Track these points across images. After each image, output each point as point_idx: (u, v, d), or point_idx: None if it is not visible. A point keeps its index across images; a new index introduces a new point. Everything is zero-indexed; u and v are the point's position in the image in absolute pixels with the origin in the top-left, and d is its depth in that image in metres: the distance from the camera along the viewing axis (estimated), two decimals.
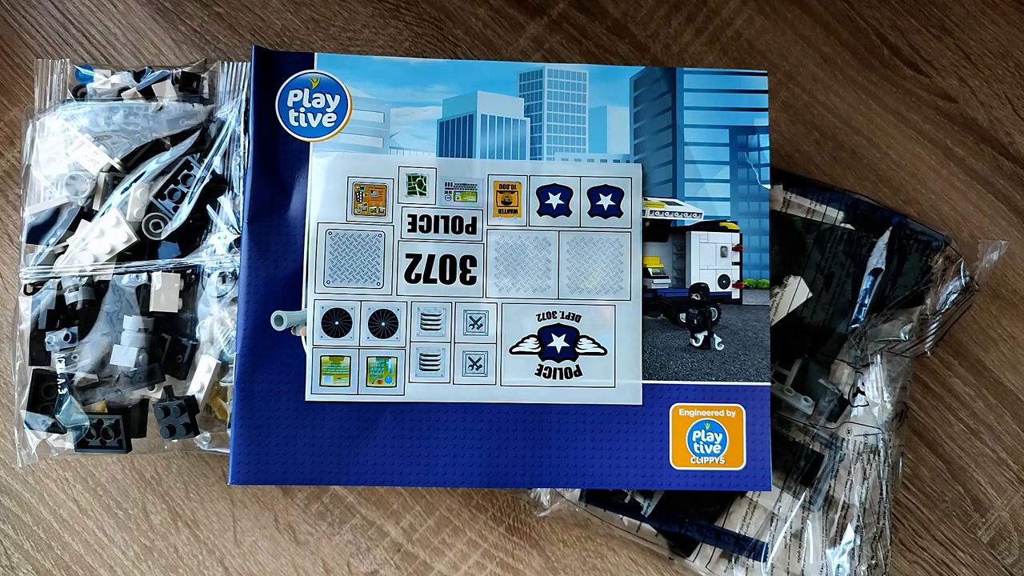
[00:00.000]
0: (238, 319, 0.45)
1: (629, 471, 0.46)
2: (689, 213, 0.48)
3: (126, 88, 0.50)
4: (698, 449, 0.46)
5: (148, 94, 0.49)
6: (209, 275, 0.47)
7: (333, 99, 0.47)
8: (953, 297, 0.51)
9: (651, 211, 0.47)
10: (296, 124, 0.46)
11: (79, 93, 0.50)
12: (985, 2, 0.59)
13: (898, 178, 0.57)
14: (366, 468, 0.45)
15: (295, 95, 0.46)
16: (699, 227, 0.48)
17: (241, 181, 0.48)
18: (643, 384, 0.46)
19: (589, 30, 0.58)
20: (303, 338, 0.45)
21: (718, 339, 0.47)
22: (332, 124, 0.46)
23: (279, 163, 0.46)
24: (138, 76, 0.50)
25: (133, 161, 0.48)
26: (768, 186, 0.48)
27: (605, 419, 0.46)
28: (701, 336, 0.47)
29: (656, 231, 0.48)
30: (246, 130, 0.47)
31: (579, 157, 0.48)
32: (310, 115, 0.46)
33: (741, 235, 0.48)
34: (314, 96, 0.46)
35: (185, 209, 0.47)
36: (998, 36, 0.58)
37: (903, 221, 0.51)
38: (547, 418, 0.46)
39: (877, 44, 0.58)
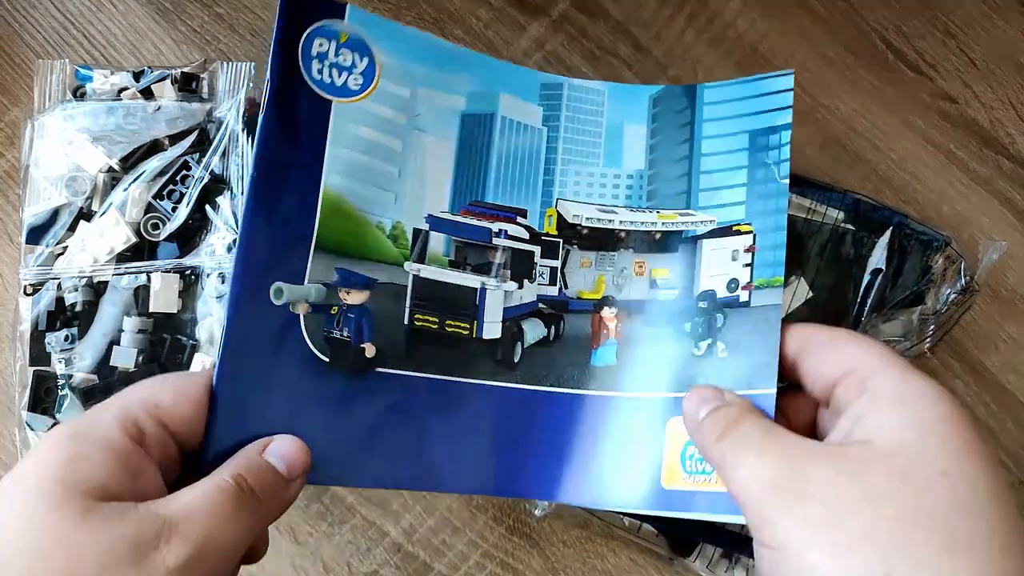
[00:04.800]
0: (229, 285, 0.39)
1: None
2: (702, 222, 0.46)
3: (125, 88, 0.50)
4: (690, 467, 0.42)
5: (148, 94, 0.49)
6: (208, 275, 0.47)
7: (361, 60, 0.43)
8: (953, 297, 0.51)
9: (663, 223, 0.46)
10: (319, 78, 0.42)
11: (79, 93, 0.50)
12: (988, 5, 0.59)
13: (899, 178, 0.57)
14: (371, 468, 0.41)
15: (320, 44, 0.42)
16: (711, 234, 0.47)
17: (241, 180, 0.48)
18: (640, 398, 0.44)
19: (590, 31, 0.57)
20: (301, 317, 0.40)
21: (721, 346, 0.44)
22: (358, 87, 0.43)
23: (296, 118, 0.41)
24: (138, 76, 0.50)
25: (132, 161, 0.48)
26: (787, 181, 0.46)
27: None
28: (704, 344, 0.45)
29: (667, 242, 0.47)
30: (259, 86, 0.45)
31: (592, 171, 0.47)
32: (335, 71, 0.42)
33: (754, 235, 0.46)
34: (340, 51, 0.43)
35: (184, 210, 0.47)
36: (1001, 39, 0.58)
37: (903, 221, 0.51)
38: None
39: (881, 47, 0.58)
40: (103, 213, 0.47)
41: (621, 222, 0.47)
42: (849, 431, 0.32)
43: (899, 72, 0.58)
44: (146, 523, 0.27)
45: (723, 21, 0.58)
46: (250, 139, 0.48)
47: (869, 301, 0.50)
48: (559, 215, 0.47)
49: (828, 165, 0.56)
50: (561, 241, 0.47)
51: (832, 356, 0.35)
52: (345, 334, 0.40)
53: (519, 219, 0.46)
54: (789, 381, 0.39)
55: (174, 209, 0.47)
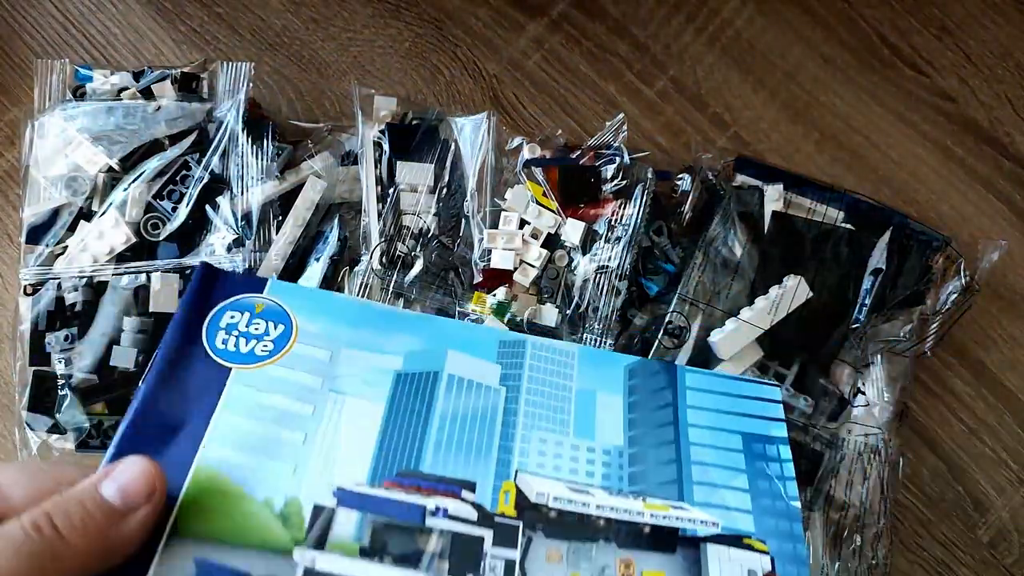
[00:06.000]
0: None
1: None
2: (703, 522, 0.37)
3: (125, 88, 0.50)
4: None
5: (147, 94, 0.49)
6: None
7: (276, 328, 0.38)
8: (953, 297, 0.51)
9: (652, 514, 0.37)
10: (221, 347, 0.37)
11: (78, 93, 0.50)
12: (985, 2, 0.59)
13: (898, 178, 0.57)
14: None
15: (231, 316, 0.38)
16: (717, 540, 0.38)
17: (240, 180, 0.48)
18: None
19: (589, 30, 0.57)
20: None
21: None
22: (266, 354, 0.38)
23: (186, 385, 0.36)
24: (137, 76, 0.50)
25: (131, 161, 0.48)
26: (798, 504, 0.39)
27: None
28: None
29: (659, 539, 0.37)
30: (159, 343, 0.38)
31: (561, 440, 0.39)
32: (242, 340, 0.38)
33: (773, 560, 0.36)
34: (254, 321, 0.38)
35: (183, 210, 0.47)
36: (998, 36, 0.58)
37: (903, 221, 0.51)
38: None
39: (877, 44, 0.58)
40: (103, 213, 0.47)
41: (599, 507, 0.37)
42: None
43: (897, 70, 0.58)
44: None
45: (721, 19, 0.58)
46: (250, 139, 0.49)
47: (869, 301, 0.50)
48: (519, 491, 0.37)
49: (827, 163, 0.56)
50: (521, 525, 0.36)
51: None
52: None
53: (464, 494, 0.36)
54: None
55: (174, 209, 0.48)
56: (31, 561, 0.26)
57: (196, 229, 0.48)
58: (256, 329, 0.38)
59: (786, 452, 0.41)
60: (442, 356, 0.40)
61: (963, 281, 0.51)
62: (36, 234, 0.48)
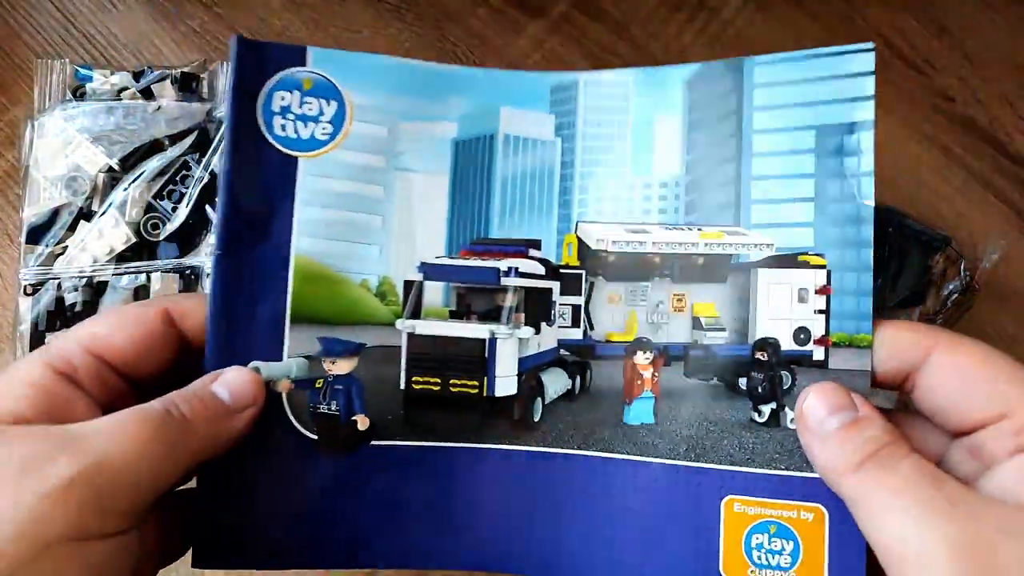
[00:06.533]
0: (204, 367, 0.36)
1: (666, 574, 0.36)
2: (756, 245, 0.38)
3: (125, 88, 0.50)
4: (758, 558, 0.34)
5: (148, 94, 0.50)
6: (208, 275, 0.47)
7: (328, 105, 0.39)
8: (953, 297, 0.51)
9: (706, 243, 0.39)
10: (283, 134, 0.38)
11: (78, 93, 0.50)
12: (985, 2, 0.59)
13: (898, 178, 0.57)
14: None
15: (282, 98, 0.38)
16: (768, 262, 0.39)
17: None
18: (685, 467, 0.36)
19: (589, 30, 0.57)
20: (284, 395, 0.37)
21: (790, 414, 0.34)
22: (327, 137, 0.38)
23: (261, 182, 0.38)
24: (137, 76, 0.50)
25: (131, 162, 0.48)
26: (871, 203, 0.36)
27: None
28: (767, 409, 0.36)
29: (712, 269, 0.40)
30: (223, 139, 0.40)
31: (618, 182, 0.40)
32: (300, 124, 0.38)
33: (829, 272, 0.36)
34: (306, 101, 0.38)
35: (184, 210, 0.47)
36: (998, 36, 0.58)
37: (903, 221, 0.51)
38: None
39: (878, 44, 0.58)
40: (103, 213, 0.47)
41: (654, 243, 0.40)
42: (1018, 491, 0.29)
43: (897, 70, 0.58)
44: (46, 440, 0.28)
45: (721, 19, 0.58)
46: None
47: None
48: (580, 241, 0.40)
49: None
50: (584, 273, 0.42)
51: (978, 389, 0.31)
52: (333, 408, 0.37)
53: (532, 252, 0.41)
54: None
55: (174, 209, 0.48)
56: (165, 434, 0.30)
57: (196, 229, 0.48)
58: (310, 109, 0.39)
59: (868, 141, 0.36)
60: (495, 116, 0.41)
61: (963, 281, 0.51)
62: (36, 234, 0.48)
